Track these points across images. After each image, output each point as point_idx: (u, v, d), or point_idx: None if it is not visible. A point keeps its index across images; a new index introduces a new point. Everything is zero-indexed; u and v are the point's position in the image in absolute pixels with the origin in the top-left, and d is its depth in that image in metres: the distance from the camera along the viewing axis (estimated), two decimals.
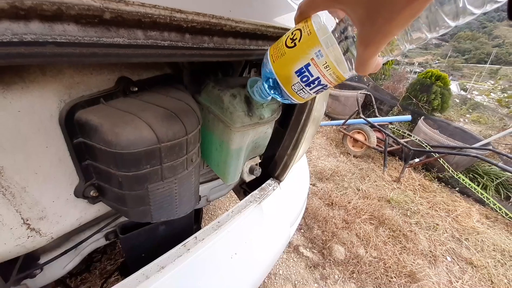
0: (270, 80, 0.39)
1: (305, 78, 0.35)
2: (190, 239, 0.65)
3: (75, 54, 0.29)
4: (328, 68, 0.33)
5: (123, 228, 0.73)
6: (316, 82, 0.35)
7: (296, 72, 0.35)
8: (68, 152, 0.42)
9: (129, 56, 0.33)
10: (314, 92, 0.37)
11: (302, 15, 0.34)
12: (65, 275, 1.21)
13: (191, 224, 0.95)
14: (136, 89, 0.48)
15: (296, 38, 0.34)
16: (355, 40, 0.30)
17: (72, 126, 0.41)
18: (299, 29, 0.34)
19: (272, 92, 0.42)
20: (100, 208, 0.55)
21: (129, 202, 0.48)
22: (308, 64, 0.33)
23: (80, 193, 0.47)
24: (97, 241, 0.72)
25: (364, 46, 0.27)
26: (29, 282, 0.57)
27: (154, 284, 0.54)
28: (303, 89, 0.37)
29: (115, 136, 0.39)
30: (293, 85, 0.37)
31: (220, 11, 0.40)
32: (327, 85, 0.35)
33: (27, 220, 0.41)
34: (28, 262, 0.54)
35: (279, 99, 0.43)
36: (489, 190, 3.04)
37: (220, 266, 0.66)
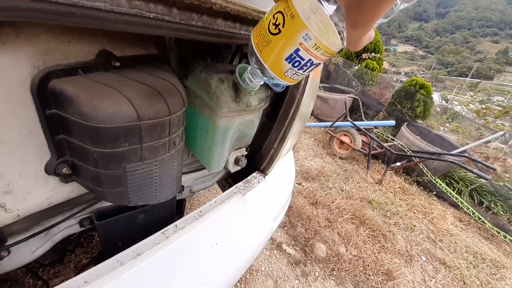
0: (261, 68, 0.37)
1: (297, 63, 0.33)
2: (170, 227, 0.63)
3: (51, 12, 0.27)
4: (319, 48, 0.31)
5: (99, 214, 0.70)
6: (308, 64, 0.34)
7: (286, 59, 0.33)
8: (39, 123, 0.40)
9: (110, 22, 0.32)
10: (307, 73, 0.37)
11: None
12: (37, 266, 1.15)
13: (173, 214, 0.92)
14: (118, 64, 0.46)
15: (279, 24, 0.31)
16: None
17: (45, 96, 0.38)
18: (281, 12, 0.30)
19: (265, 79, 0.41)
20: (73, 189, 0.52)
21: (105, 182, 0.45)
22: (298, 49, 0.31)
23: (51, 169, 0.44)
24: (71, 227, 0.68)
25: (354, 29, 0.27)
26: None
27: (129, 271, 0.52)
28: (296, 73, 0.36)
29: (92, 109, 0.37)
30: (286, 72, 0.35)
31: None
32: (320, 62, 0.34)
33: None
34: None
35: (271, 83, 0.42)
36: (464, 195, 3.19)
37: (200, 255, 0.65)
